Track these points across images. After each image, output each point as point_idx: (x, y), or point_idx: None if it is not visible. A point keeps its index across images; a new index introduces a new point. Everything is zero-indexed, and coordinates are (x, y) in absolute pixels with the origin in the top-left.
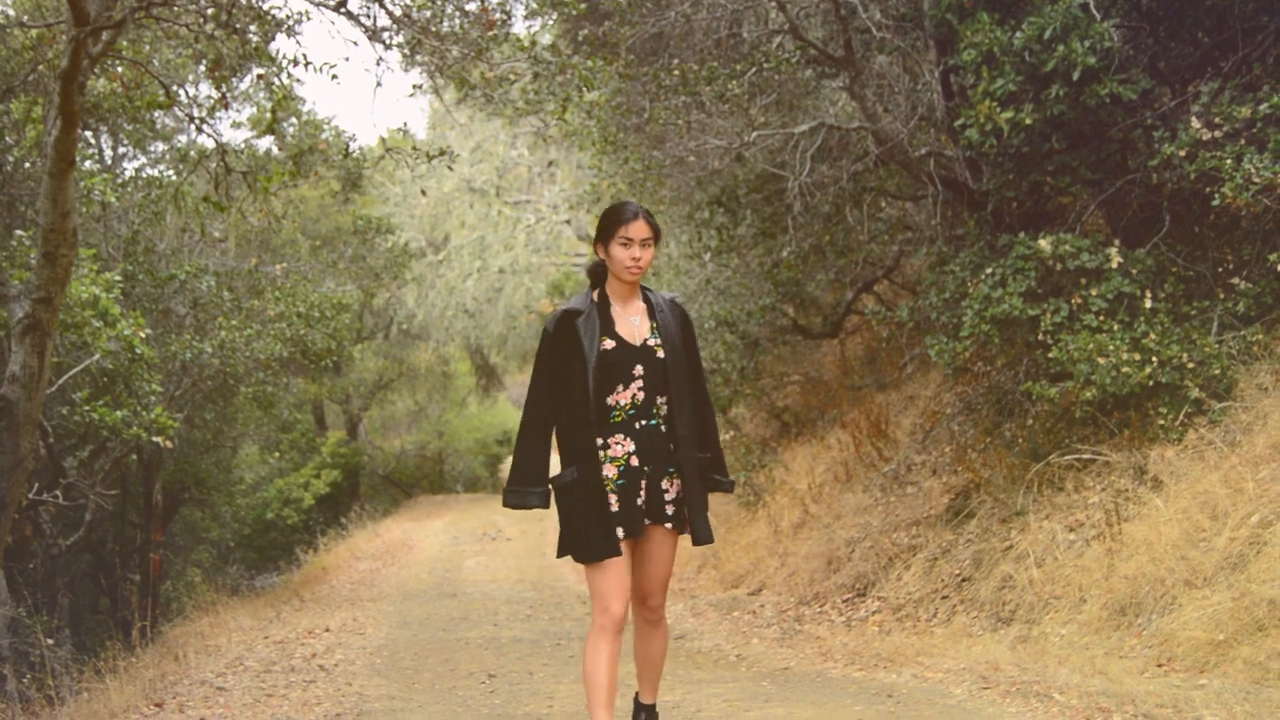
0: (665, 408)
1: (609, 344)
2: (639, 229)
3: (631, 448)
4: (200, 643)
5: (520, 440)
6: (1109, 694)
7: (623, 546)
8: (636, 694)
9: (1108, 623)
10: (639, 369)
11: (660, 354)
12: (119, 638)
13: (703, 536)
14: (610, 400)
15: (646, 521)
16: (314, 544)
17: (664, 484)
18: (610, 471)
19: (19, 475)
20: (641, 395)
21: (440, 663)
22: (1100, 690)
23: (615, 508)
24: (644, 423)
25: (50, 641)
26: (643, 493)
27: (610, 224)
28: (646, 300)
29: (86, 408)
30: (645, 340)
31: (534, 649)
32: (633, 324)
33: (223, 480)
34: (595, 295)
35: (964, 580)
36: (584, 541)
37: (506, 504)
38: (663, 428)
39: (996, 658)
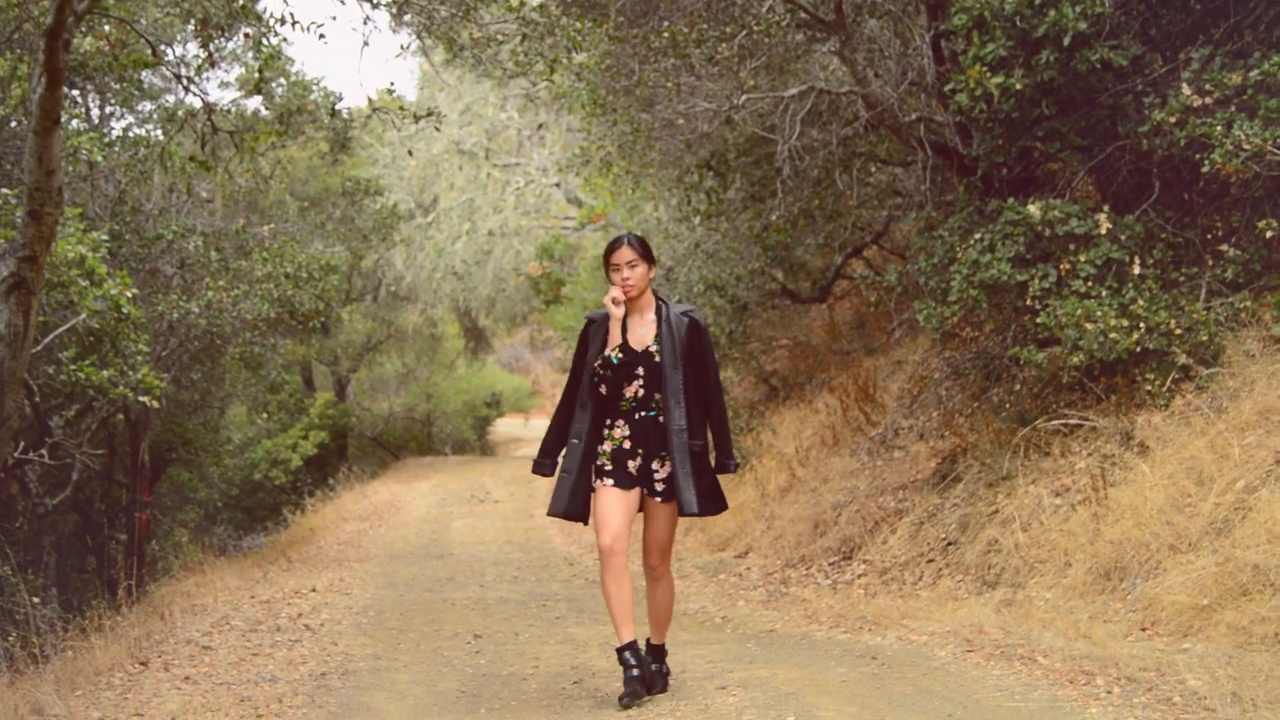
0: (662, 403)
1: (618, 348)
2: (621, 255)
3: (627, 432)
4: (186, 602)
5: (551, 419)
6: (1092, 657)
7: (616, 493)
8: (648, 638)
9: (1092, 587)
10: (640, 370)
11: (658, 359)
12: (105, 597)
13: (685, 508)
14: (621, 392)
15: (644, 492)
16: (301, 505)
17: (654, 465)
18: (607, 447)
19: (4, 434)
20: (642, 391)
21: (426, 623)
22: (1084, 653)
23: (609, 469)
24: (643, 414)
25: (36, 600)
26: (632, 468)
27: (604, 260)
28: (659, 313)
29: (73, 367)
30: (647, 347)
31: (520, 610)
32: (640, 333)
33: (210, 441)
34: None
35: (950, 544)
36: (554, 496)
37: (533, 471)
38: (660, 419)
39: (981, 621)
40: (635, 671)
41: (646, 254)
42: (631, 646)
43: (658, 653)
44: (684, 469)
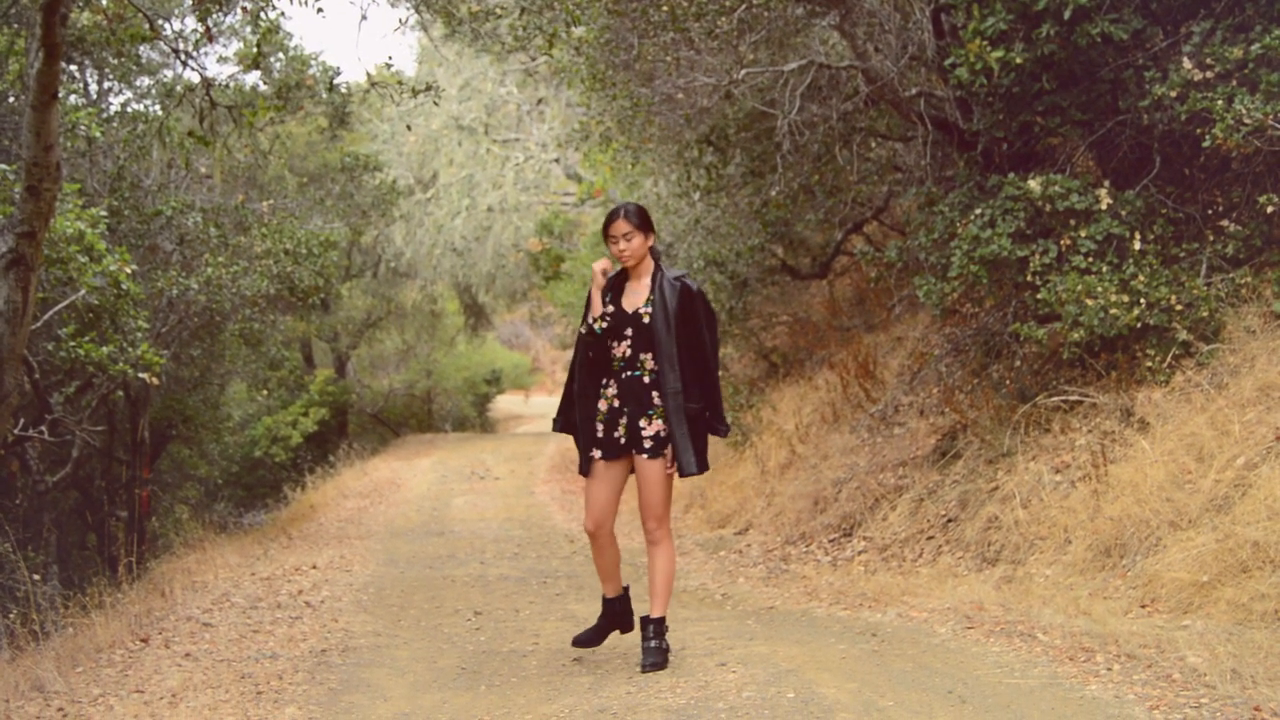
0: (651, 363)
1: (611, 309)
2: (618, 226)
3: (614, 391)
4: (187, 579)
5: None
6: (1092, 634)
7: (603, 468)
8: (644, 615)
9: (1092, 563)
10: (629, 331)
11: (646, 320)
12: (106, 574)
13: (685, 469)
14: (612, 353)
15: (634, 452)
16: (302, 482)
17: (642, 423)
18: (603, 406)
19: (4, 411)
20: (629, 351)
21: (426, 600)
22: (1084, 630)
23: (600, 434)
24: (629, 373)
25: (37, 577)
26: (621, 428)
27: (603, 231)
28: (654, 278)
29: (72, 343)
30: (637, 309)
31: (520, 587)
32: (634, 297)
33: (210, 417)
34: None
35: (950, 521)
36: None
37: (553, 429)
38: (645, 379)
39: (981, 598)
40: (601, 621)
41: (643, 224)
42: (608, 601)
43: (658, 627)
44: (681, 430)
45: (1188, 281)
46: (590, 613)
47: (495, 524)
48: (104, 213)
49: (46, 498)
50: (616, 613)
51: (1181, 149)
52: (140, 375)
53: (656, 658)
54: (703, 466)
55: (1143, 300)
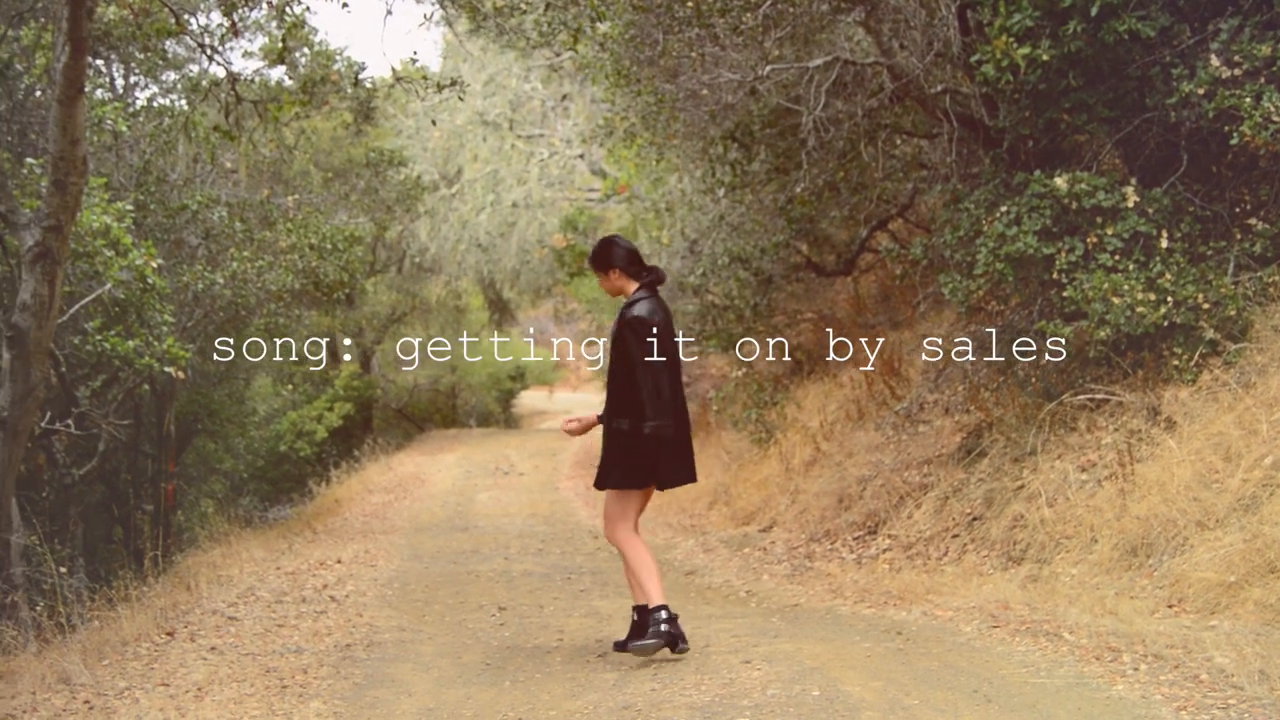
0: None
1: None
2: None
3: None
4: (212, 573)
5: None
6: (1119, 634)
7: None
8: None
9: (1119, 563)
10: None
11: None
12: (132, 567)
13: (596, 482)
14: None
15: None
16: (327, 476)
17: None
18: None
19: (30, 404)
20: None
21: (451, 595)
22: (1110, 630)
23: None
24: (605, 396)
25: (63, 570)
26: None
27: None
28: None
29: (99, 337)
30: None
31: (545, 583)
32: None
33: (235, 412)
34: None
35: (975, 519)
36: None
37: None
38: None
39: (1007, 596)
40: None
41: (598, 264)
42: (652, 608)
43: (642, 614)
44: (604, 446)
45: (1215, 280)
46: (613, 609)
47: (519, 520)
48: (130, 207)
49: (73, 491)
50: (635, 625)
51: (1209, 146)
52: (166, 369)
53: (656, 637)
54: (602, 483)
55: (1170, 299)
